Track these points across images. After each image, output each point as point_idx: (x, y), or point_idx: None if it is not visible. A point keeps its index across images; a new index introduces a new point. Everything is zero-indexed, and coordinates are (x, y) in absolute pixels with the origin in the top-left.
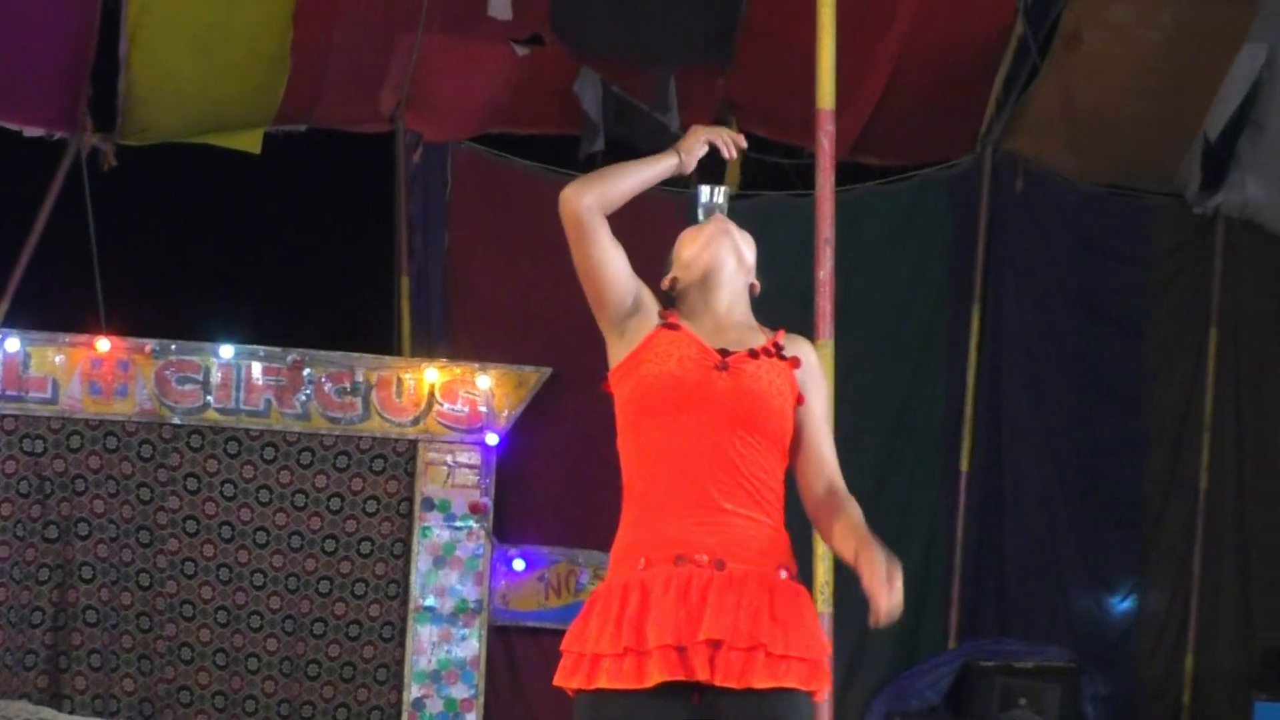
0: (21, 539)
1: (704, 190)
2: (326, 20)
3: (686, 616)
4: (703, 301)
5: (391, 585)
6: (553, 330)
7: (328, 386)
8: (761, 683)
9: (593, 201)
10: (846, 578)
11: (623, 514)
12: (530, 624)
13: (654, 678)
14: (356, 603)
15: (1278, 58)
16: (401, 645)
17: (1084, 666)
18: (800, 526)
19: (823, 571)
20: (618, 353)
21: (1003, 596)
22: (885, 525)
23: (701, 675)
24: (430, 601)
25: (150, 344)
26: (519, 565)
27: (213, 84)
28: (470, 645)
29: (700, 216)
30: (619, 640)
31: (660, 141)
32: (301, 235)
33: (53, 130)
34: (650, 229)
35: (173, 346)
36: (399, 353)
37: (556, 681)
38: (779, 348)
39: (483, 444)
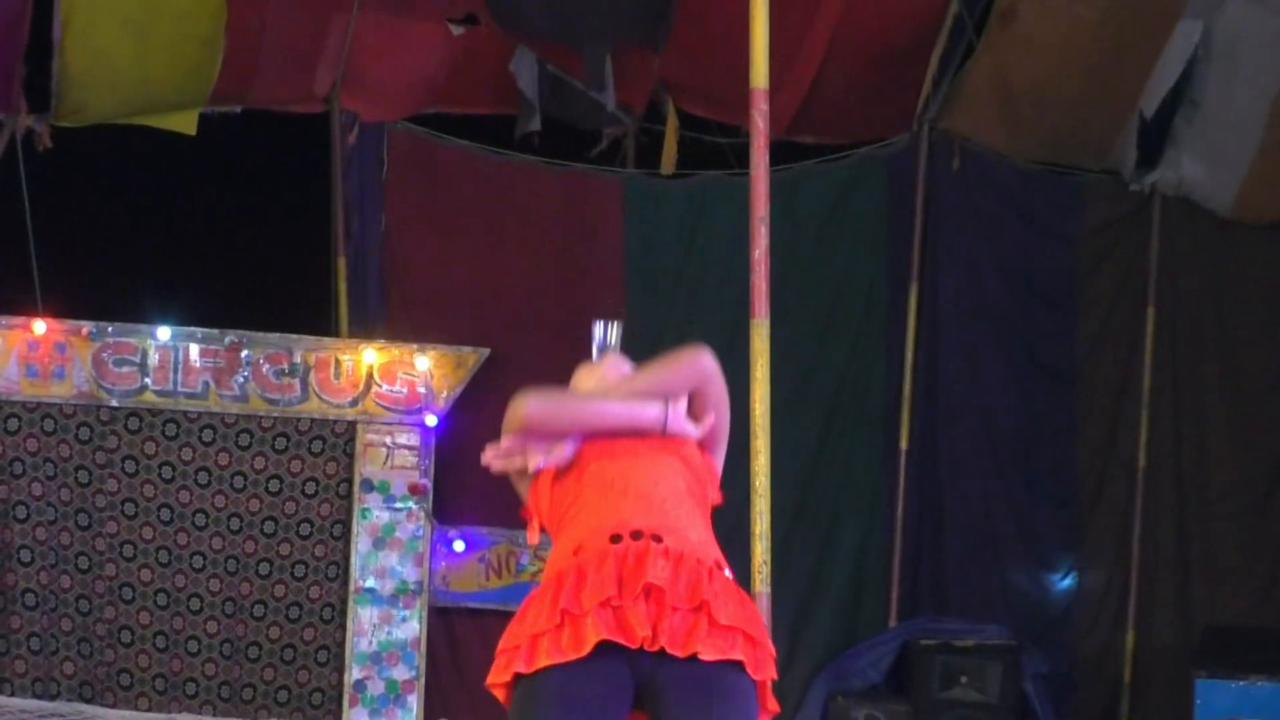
0: None
1: (597, 327)
2: (260, 1)
3: (624, 576)
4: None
5: (331, 567)
6: (490, 311)
7: (266, 368)
8: (708, 654)
9: (535, 424)
10: (784, 558)
11: (554, 548)
12: (471, 605)
13: (591, 639)
14: (296, 584)
15: (1213, 35)
16: (342, 627)
17: (1024, 644)
18: (737, 519)
19: (760, 551)
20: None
21: (942, 575)
22: (824, 503)
23: (641, 632)
24: (370, 583)
25: (87, 326)
26: (459, 546)
27: (147, 65)
28: (411, 626)
29: (595, 355)
30: (555, 613)
31: (596, 120)
32: (237, 217)
33: None
34: (590, 208)
35: (109, 329)
36: (337, 334)
37: (491, 680)
38: None
39: (422, 425)
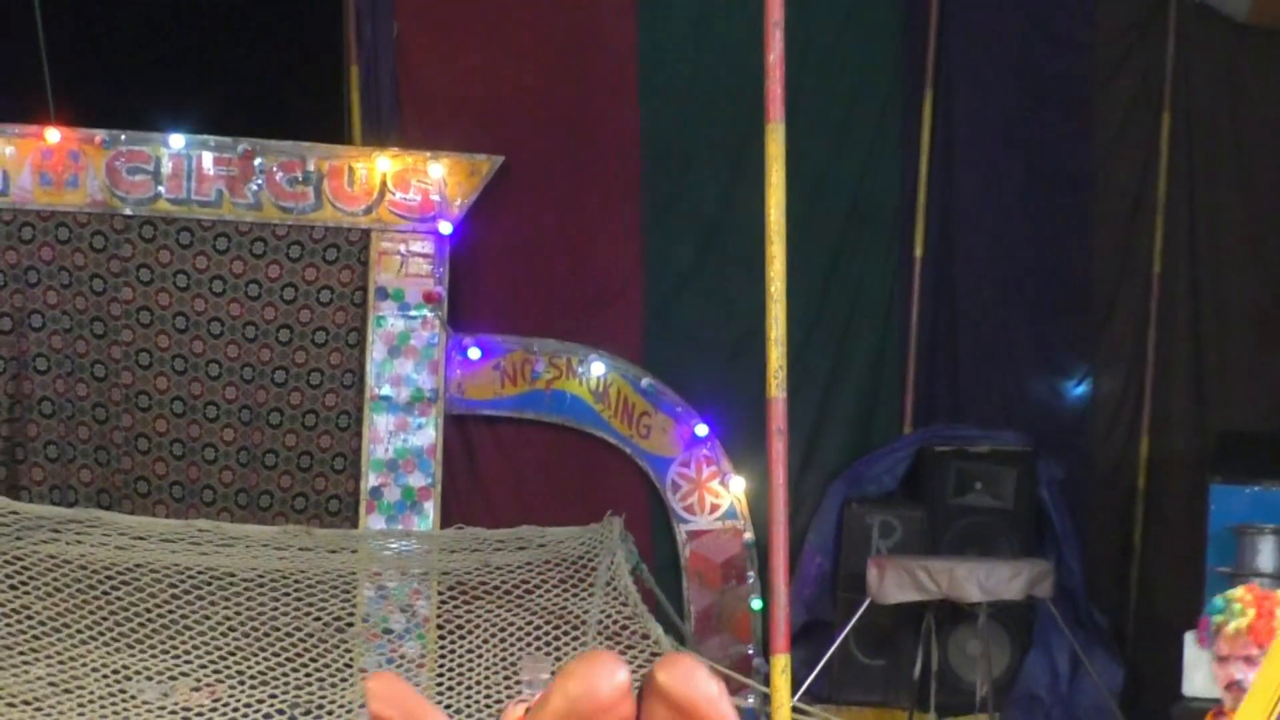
0: None
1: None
2: None
3: None
4: None
5: (347, 375)
6: (504, 118)
7: (279, 176)
8: None
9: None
10: (800, 365)
11: None
12: (486, 413)
13: None
14: (312, 392)
15: None
16: (358, 434)
17: (1039, 450)
18: (752, 325)
19: (775, 356)
20: None
21: (957, 382)
22: (838, 312)
23: None
24: (386, 391)
25: (100, 134)
26: (474, 354)
27: None
28: (427, 434)
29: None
30: None
31: None
32: (249, 24)
33: None
34: (602, 11)
35: (122, 137)
36: (350, 142)
37: None
38: None
39: (436, 233)
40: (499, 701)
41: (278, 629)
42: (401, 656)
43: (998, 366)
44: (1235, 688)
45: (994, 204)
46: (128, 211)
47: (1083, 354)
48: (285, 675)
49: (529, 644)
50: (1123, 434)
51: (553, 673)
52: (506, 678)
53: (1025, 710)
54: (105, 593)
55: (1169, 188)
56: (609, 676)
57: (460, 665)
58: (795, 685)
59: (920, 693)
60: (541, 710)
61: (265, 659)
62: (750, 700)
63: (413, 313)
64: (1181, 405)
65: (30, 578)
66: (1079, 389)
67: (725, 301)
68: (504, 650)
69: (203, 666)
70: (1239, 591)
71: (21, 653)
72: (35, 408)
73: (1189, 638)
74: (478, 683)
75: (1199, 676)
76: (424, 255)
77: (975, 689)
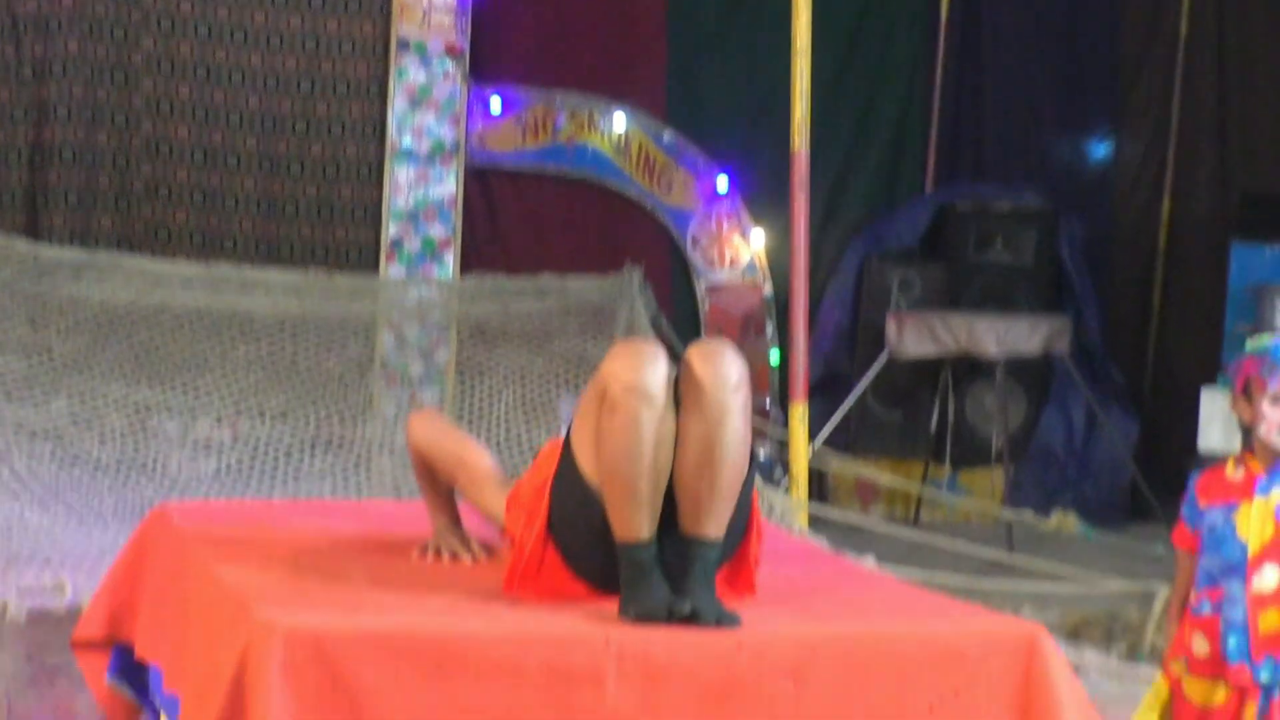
0: None
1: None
2: None
3: None
4: None
5: (368, 126)
6: None
7: None
8: None
9: (413, 449)
10: (823, 121)
11: None
12: (507, 166)
13: None
14: (333, 143)
15: None
16: (379, 185)
17: (1060, 210)
18: (776, 81)
19: (800, 109)
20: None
21: (980, 141)
22: (863, 72)
23: None
24: (407, 142)
25: None
26: (495, 107)
27: None
28: (447, 186)
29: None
30: None
31: None
32: None
33: None
34: None
35: None
36: None
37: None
38: None
39: None
40: (519, 438)
41: (298, 368)
42: (420, 403)
43: (1022, 126)
44: None
45: None
46: None
47: (1107, 115)
48: (306, 411)
49: (548, 387)
50: (1145, 194)
51: None
52: (526, 416)
53: (1041, 464)
54: (126, 332)
55: None
56: (655, 363)
57: (480, 405)
58: (812, 436)
59: (936, 446)
60: (591, 402)
61: (286, 396)
62: (767, 449)
63: (435, 65)
64: (1204, 166)
65: (51, 317)
66: (1102, 149)
67: (750, 58)
68: (524, 391)
69: (223, 402)
70: None
71: (42, 387)
72: (56, 155)
73: (1206, 393)
74: (498, 422)
75: (1215, 431)
76: (446, 8)
77: (991, 443)
